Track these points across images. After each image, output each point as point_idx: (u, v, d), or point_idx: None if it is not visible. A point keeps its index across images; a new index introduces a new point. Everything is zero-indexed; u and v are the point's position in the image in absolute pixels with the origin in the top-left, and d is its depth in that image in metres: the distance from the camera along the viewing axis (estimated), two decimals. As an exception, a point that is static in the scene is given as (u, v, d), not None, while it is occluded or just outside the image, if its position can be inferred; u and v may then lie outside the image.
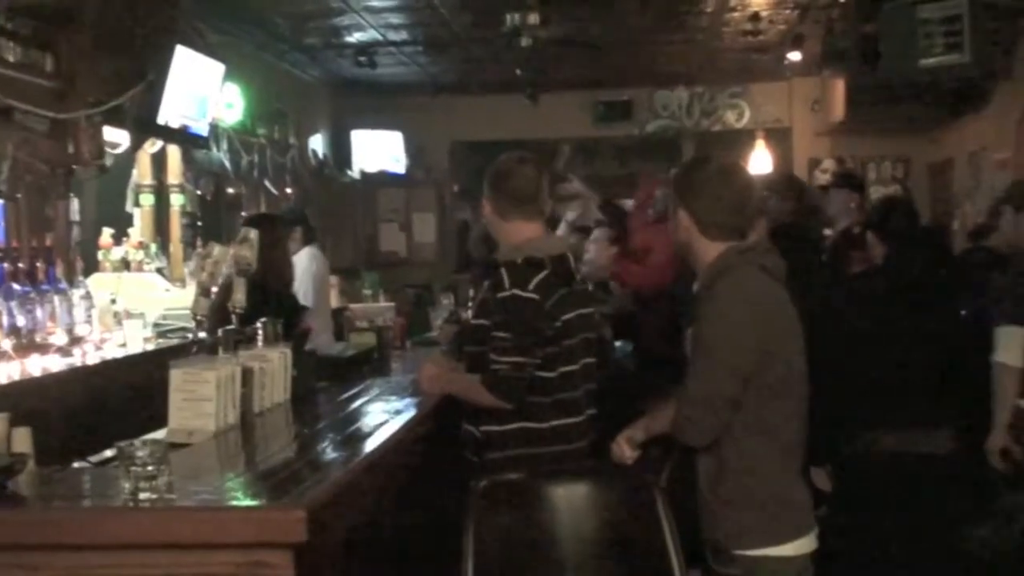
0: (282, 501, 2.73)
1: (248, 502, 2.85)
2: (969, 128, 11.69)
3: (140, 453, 2.71)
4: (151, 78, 6.90)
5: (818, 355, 4.71)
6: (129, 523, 2.67)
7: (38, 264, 5.74)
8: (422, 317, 7.47)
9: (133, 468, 2.69)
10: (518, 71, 11.43)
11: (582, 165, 15.20)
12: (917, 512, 4.63)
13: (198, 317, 4.28)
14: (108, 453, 3.31)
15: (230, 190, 9.68)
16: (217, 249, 4.41)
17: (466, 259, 13.03)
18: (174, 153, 8.20)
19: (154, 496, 2.69)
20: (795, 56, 11.44)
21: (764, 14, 10.27)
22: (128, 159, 7.57)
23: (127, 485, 2.70)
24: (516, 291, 3.83)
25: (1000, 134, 10.37)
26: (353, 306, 8.18)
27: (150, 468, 2.69)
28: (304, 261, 8.64)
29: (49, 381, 5.19)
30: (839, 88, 12.26)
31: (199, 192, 8.84)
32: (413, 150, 14.01)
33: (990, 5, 8.59)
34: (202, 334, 4.32)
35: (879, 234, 5.01)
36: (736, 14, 10.39)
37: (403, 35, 11.01)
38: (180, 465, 3.15)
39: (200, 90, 7.63)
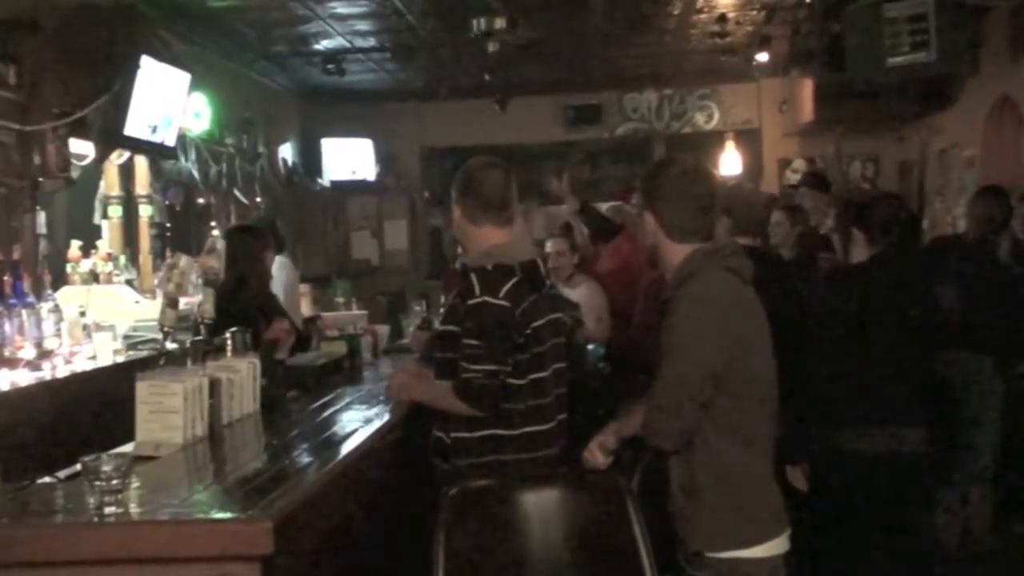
0: (249, 513, 2.72)
1: (214, 515, 2.83)
2: (937, 126, 11.74)
3: (105, 468, 2.69)
4: (116, 89, 6.86)
5: (795, 353, 4.75)
6: (94, 539, 2.66)
7: (5, 278, 5.70)
8: (394, 324, 7.45)
9: (98, 483, 2.67)
10: (487, 76, 11.42)
11: (554, 170, 15.21)
12: (894, 511, 4.64)
13: (165, 328, 4.26)
14: (78, 467, 3.29)
15: (199, 200, 9.63)
16: (184, 260, 4.39)
17: (440, 264, 13.03)
18: (142, 164, 8.15)
19: (119, 511, 2.67)
20: (763, 57, 11.45)
21: (731, 16, 10.28)
22: (95, 171, 7.53)
23: (92, 500, 2.68)
24: (487, 298, 3.82)
25: (968, 132, 10.41)
26: (325, 314, 8.14)
27: (115, 482, 2.67)
28: (273, 271, 8.62)
29: (18, 395, 5.16)
30: (807, 88, 12.29)
31: (168, 202, 8.79)
32: (383, 157, 13.98)
33: (955, 3, 8.63)
34: (170, 345, 4.30)
35: (864, 232, 4.99)
36: (703, 16, 10.40)
37: (371, 42, 10.97)
38: (147, 478, 3.13)
39: (166, 100, 7.58)
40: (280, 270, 8.77)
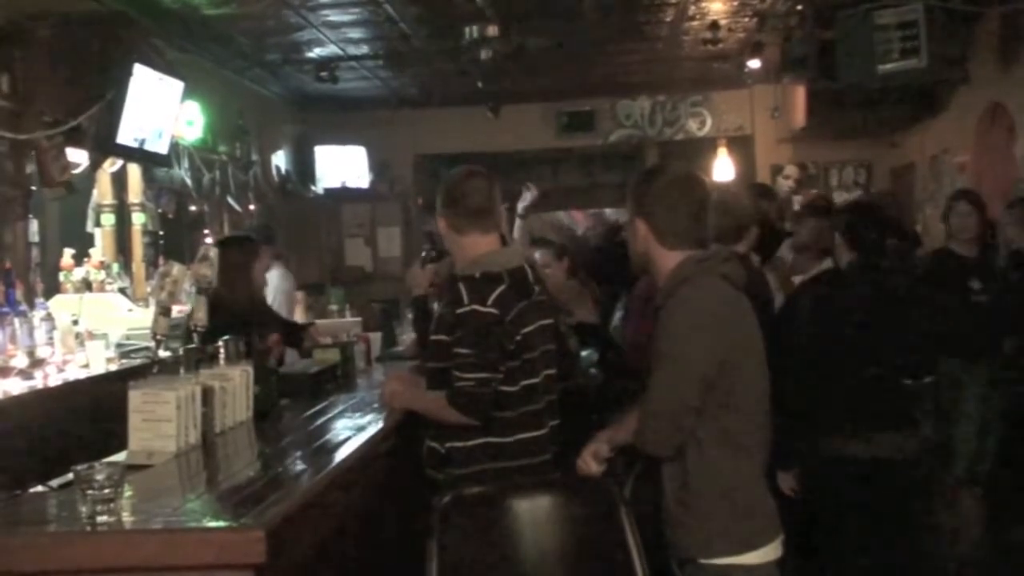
0: (241, 522, 2.71)
1: (207, 523, 2.82)
2: (929, 132, 11.77)
3: (98, 476, 2.69)
4: (109, 97, 6.86)
5: (785, 360, 4.75)
6: (87, 547, 2.65)
7: (-4, 286, 5.69)
8: (388, 332, 7.45)
9: (90, 492, 2.67)
10: (479, 84, 11.43)
11: (548, 176, 15.25)
12: (886, 516, 4.64)
13: (158, 337, 4.25)
14: (70, 476, 3.28)
15: (192, 208, 9.63)
16: (176, 268, 4.38)
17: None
18: (134, 172, 8.15)
19: (112, 519, 2.67)
20: (755, 64, 11.47)
21: (723, 22, 10.29)
22: (88, 179, 7.52)
23: (85, 509, 2.68)
24: (475, 306, 3.82)
25: (959, 137, 10.45)
26: (318, 322, 8.15)
27: (107, 491, 2.67)
28: (274, 280, 8.68)
29: (10, 404, 5.15)
30: (799, 95, 12.32)
31: (160, 210, 8.79)
32: (376, 164, 13.98)
33: (946, 10, 8.66)
34: (163, 353, 4.29)
35: (848, 240, 5.01)
36: (695, 23, 10.41)
37: (363, 49, 10.98)
38: (140, 487, 3.13)
39: (160, 108, 7.58)
40: (280, 279, 8.83)
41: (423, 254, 5.05)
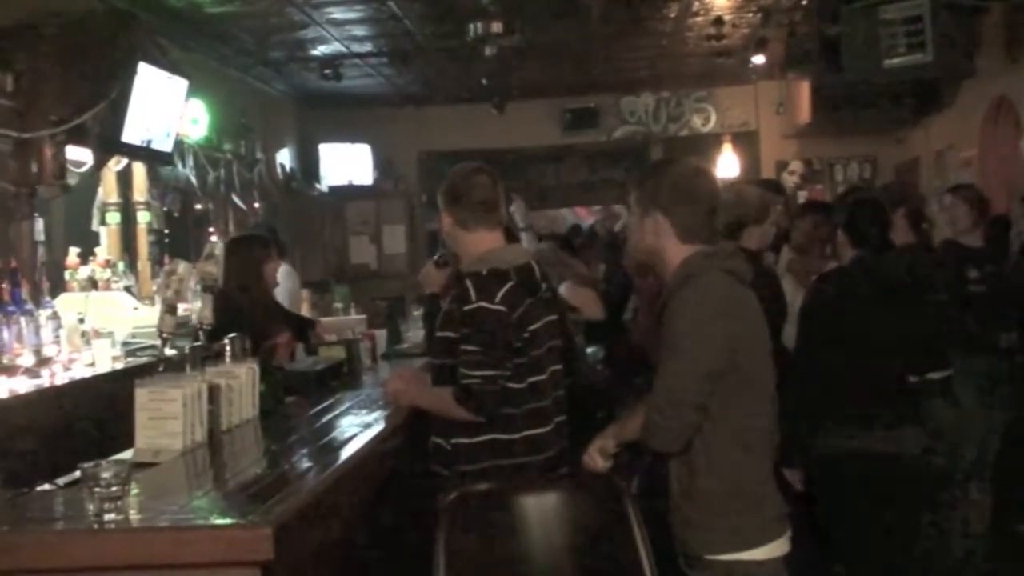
0: (248, 519, 2.70)
1: (214, 521, 2.81)
2: (934, 127, 11.76)
3: (105, 474, 2.69)
4: (114, 96, 6.85)
5: (791, 356, 4.74)
6: (94, 545, 2.65)
7: (3, 285, 5.69)
8: (393, 329, 7.45)
9: (97, 490, 2.67)
10: (484, 80, 11.42)
11: (552, 173, 15.25)
12: (892, 511, 4.64)
13: (164, 335, 4.25)
14: (77, 474, 3.28)
15: (197, 206, 9.63)
16: (182, 266, 4.37)
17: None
18: (139, 170, 8.15)
19: (119, 517, 2.67)
20: (759, 59, 11.47)
21: (727, 18, 10.29)
22: (93, 177, 7.52)
23: (92, 507, 2.68)
24: (483, 303, 3.81)
25: (965, 132, 10.43)
26: (323, 319, 8.15)
27: (114, 489, 2.67)
28: (278, 278, 8.66)
29: (16, 403, 5.15)
30: (804, 90, 12.31)
31: (166, 209, 8.79)
32: (381, 162, 14.00)
33: (951, 5, 8.65)
34: (169, 351, 4.29)
35: (850, 237, 5.00)
36: (699, 19, 10.41)
37: (368, 47, 10.98)
38: (147, 485, 3.13)
39: (164, 106, 7.57)
40: (285, 278, 8.82)
41: (436, 256, 5.02)
